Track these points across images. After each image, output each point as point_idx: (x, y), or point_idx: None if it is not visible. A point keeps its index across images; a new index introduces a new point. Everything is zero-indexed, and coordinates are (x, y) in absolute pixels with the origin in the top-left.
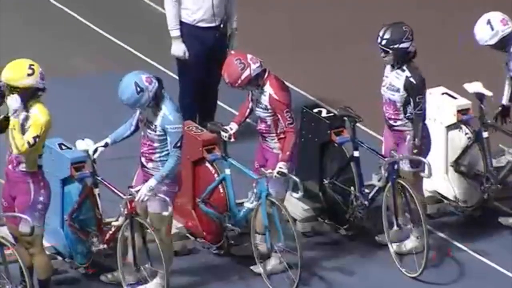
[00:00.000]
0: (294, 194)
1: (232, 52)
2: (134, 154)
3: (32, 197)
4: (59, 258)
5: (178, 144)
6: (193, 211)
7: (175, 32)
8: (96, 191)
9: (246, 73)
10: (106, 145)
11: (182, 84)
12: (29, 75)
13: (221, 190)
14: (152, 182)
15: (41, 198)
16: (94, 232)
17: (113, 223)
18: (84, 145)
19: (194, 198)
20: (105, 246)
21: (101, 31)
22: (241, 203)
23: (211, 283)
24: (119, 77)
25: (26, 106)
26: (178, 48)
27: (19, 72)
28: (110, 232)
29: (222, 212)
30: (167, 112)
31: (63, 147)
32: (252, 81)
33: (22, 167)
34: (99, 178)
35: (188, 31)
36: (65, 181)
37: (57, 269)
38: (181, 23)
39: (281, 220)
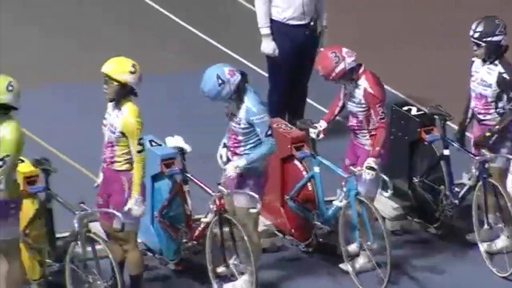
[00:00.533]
0: (384, 193)
1: (322, 49)
2: None
3: (126, 196)
4: (150, 254)
5: (269, 133)
6: (282, 209)
7: (265, 30)
8: (186, 188)
9: (341, 66)
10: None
11: (271, 82)
12: (130, 72)
13: (310, 188)
14: (241, 161)
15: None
16: (183, 228)
17: (202, 220)
18: (174, 141)
19: (283, 195)
20: (194, 242)
21: (191, 28)
22: (330, 201)
23: (299, 280)
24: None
25: (118, 104)
26: (268, 46)
27: (122, 66)
28: (199, 228)
29: (311, 210)
30: (250, 104)
31: (153, 143)
32: (346, 75)
33: (116, 166)
34: (188, 175)
35: (278, 29)
36: (155, 178)
37: (147, 265)
38: (271, 20)
39: (370, 219)
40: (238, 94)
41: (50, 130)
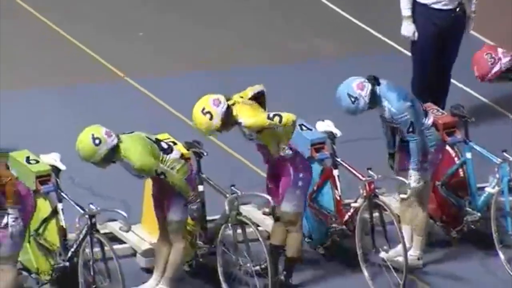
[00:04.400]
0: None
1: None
2: (377, 136)
3: (292, 178)
4: None
5: (410, 130)
6: (433, 194)
7: (406, 12)
8: (336, 172)
9: (497, 68)
10: None
11: (414, 65)
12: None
13: (462, 174)
14: (414, 175)
15: (300, 180)
16: (333, 213)
17: (352, 205)
18: (324, 126)
19: (434, 181)
20: (344, 227)
21: (342, 12)
22: (482, 188)
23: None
24: (360, 59)
25: None
26: (408, 28)
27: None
28: (349, 213)
29: (462, 196)
30: (389, 105)
31: (304, 128)
32: (503, 75)
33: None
34: (338, 159)
35: (420, 11)
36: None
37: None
38: (416, 3)
39: None
40: (374, 100)
41: None
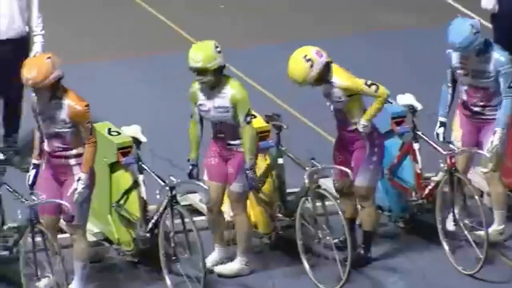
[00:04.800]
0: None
1: None
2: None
3: (368, 153)
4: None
5: (511, 84)
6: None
7: None
8: (416, 146)
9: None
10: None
11: (495, 37)
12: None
13: None
14: (500, 132)
15: (374, 155)
16: (413, 187)
17: (432, 178)
18: (405, 100)
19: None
20: (424, 201)
21: None
22: None
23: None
24: (441, 32)
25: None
26: (488, 1)
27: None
28: (429, 187)
29: None
30: (497, 55)
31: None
32: None
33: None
34: (419, 132)
35: None
36: (386, 135)
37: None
38: None
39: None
40: (486, 46)
41: (280, 86)
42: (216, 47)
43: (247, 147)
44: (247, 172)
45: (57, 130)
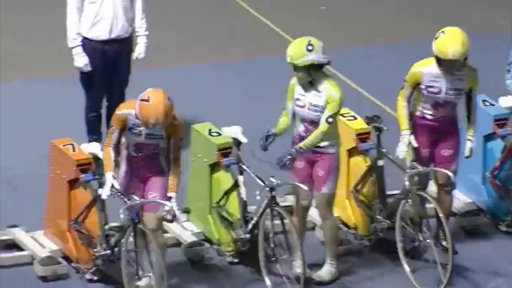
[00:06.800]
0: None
1: None
2: None
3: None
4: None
5: None
6: None
7: None
8: None
9: None
10: None
11: None
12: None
13: None
14: None
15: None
16: None
17: None
18: (508, 101)
19: None
20: None
21: None
22: None
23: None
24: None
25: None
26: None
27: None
28: None
29: None
30: None
31: (486, 103)
32: None
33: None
34: None
35: None
36: (487, 138)
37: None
38: None
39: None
40: None
41: (383, 87)
42: (309, 44)
43: (312, 137)
44: (291, 149)
45: (155, 143)
